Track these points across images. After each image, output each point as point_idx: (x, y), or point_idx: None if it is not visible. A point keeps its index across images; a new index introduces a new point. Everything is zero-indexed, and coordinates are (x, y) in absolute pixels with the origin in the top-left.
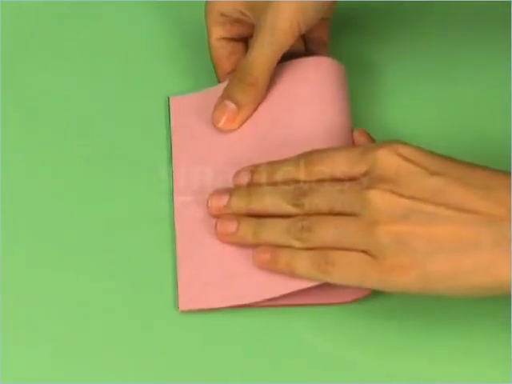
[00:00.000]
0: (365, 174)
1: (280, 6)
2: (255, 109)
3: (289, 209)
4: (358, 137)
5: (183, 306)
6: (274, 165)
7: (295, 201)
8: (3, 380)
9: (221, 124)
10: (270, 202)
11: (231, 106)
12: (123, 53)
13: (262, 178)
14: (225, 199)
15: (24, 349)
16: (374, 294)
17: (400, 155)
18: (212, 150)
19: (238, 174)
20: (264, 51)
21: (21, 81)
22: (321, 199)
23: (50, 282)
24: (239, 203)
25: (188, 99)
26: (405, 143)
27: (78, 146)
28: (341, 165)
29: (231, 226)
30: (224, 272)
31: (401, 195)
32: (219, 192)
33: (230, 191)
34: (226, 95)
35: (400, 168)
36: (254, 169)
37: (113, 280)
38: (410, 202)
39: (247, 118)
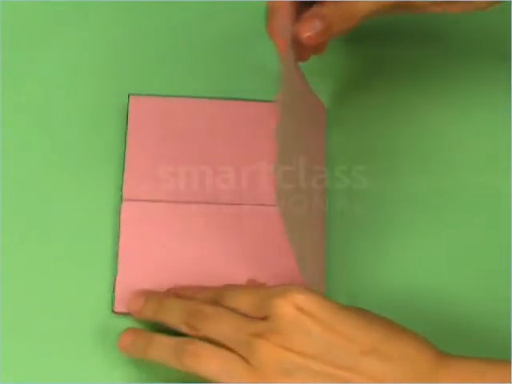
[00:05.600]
0: (264, 319)
1: None
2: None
3: (182, 327)
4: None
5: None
6: (196, 290)
7: (191, 320)
8: (3, 380)
9: (305, 36)
10: (171, 314)
11: (320, 26)
12: (122, 54)
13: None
14: (140, 303)
15: (24, 349)
16: None
17: (295, 306)
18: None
19: (165, 292)
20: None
21: (20, 81)
22: (215, 331)
23: (48, 281)
24: (149, 311)
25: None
26: (302, 291)
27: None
28: (244, 307)
29: (128, 339)
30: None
31: (289, 349)
32: (137, 295)
33: (147, 295)
34: (322, 16)
35: (293, 320)
36: (180, 292)
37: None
38: (297, 358)
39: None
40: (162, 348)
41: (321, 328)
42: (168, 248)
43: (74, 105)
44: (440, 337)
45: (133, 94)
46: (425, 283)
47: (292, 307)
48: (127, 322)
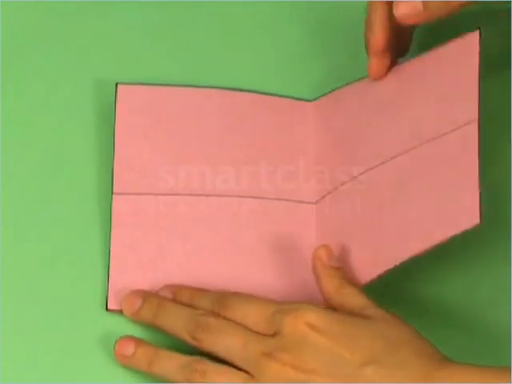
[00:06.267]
0: (273, 335)
1: None
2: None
3: (187, 338)
4: (319, 252)
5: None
6: (195, 293)
7: (195, 332)
8: (3, 380)
9: (402, 13)
10: (172, 322)
11: (419, 6)
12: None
13: (181, 302)
14: (137, 304)
15: (18, 347)
16: None
17: (306, 323)
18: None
19: (161, 290)
20: None
21: (20, 80)
22: (221, 345)
23: (39, 278)
24: (147, 314)
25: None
26: (314, 309)
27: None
28: (251, 320)
29: (128, 349)
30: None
31: (298, 368)
32: (134, 295)
33: (144, 296)
34: None
35: (304, 339)
36: (176, 290)
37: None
38: (306, 376)
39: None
40: (168, 365)
41: (329, 343)
42: (162, 243)
43: (65, 100)
44: None
45: (121, 83)
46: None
47: (304, 326)
48: (121, 320)
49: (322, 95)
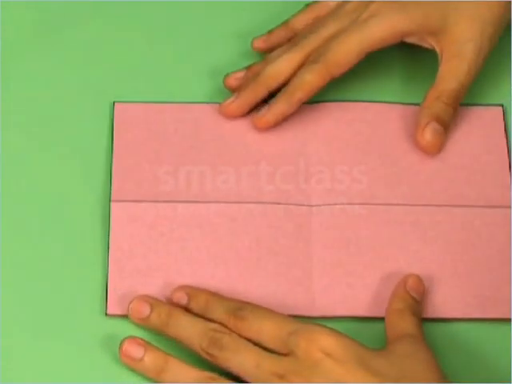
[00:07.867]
0: (286, 355)
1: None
2: None
3: (200, 352)
4: (409, 278)
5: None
6: (211, 300)
7: (209, 349)
8: (3, 380)
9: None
10: (185, 334)
11: (440, 128)
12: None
13: (195, 307)
14: (145, 311)
15: (18, 350)
16: None
17: (321, 349)
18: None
19: (177, 291)
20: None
21: (20, 80)
22: (235, 362)
23: (39, 283)
24: (157, 322)
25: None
26: (330, 333)
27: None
28: (266, 336)
29: (137, 352)
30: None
31: None
32: (141, 301)
33: (152, 303)
34: (436, 117)
35: (318, 364)
36: (192, 294)
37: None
38: None
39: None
40: (179, 376)
41: (343, 372)
42: (160, 248)
43: (63, 109)
44: None
45: (118, 102)
46: None
47: (318, 351)
48: (121, 325)
49: (323, 100)
